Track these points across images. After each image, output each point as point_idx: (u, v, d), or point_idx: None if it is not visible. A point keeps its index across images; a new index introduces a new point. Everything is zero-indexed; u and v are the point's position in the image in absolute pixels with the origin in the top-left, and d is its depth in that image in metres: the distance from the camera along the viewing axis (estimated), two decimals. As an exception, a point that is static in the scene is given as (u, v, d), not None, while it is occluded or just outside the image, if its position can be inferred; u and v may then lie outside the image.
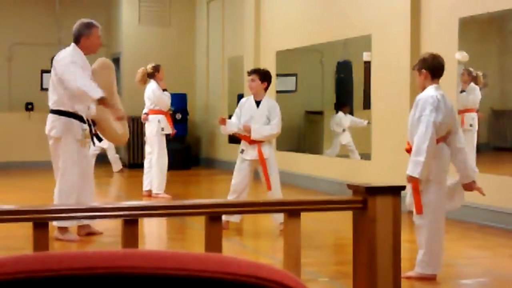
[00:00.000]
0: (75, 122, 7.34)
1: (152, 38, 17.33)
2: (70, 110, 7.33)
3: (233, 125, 8.15)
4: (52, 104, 7.46)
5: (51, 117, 7.46)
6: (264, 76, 8.16)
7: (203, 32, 17.37)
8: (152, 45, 17.15)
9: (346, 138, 11.97)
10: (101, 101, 7.11)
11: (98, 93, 7.06)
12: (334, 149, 12.26)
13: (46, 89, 7.91)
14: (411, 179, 5.67)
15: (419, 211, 5.68)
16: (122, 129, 7.74)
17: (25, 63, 17.27)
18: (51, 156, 7.59)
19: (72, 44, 7.48)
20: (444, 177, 5.81)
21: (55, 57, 7.53)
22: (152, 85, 11.16)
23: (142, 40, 17.27)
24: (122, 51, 17.33)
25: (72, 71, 7.18)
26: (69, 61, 7.24)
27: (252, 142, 8.05)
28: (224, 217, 7.99)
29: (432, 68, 5.84)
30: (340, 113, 12.19)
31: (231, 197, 7.99)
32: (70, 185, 7.37)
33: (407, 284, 5.54)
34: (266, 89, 8.17)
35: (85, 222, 7.58)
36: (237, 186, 8.07)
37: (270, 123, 8.03)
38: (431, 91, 5.78)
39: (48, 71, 15.78)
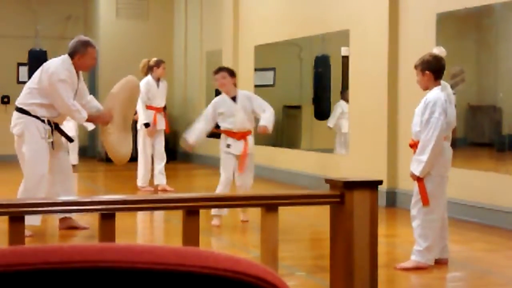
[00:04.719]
0: (38, 121, 7.22)
1: (130, 32, 17.24)
2: (36, 114, 7.22)
3: (198, 133, 8.22)
4: (18, 102, 7.34)
5: (15, 114, 7.35)
6: (231, 72, 8.35)
7: (181, 25, 17.31)
8: (130, 38, 17.06)
9: (346, 126, 11.29)
10: (87, 120, 7.35)
11: (83, 118, 7.24)
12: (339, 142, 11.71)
13: (23, 82, 7.80)
14: (413, 176, 6.03)
15: (426, 202, 5.98)
16: (126, 149, 7.56)
17: (1, 56, 17.10)
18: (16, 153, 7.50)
19: (66, 56, 7.31)
20: (445, 172, 6.13)
21: (44, 64, 7.40)
22: (144, 79, 11.10)
23: (120, 33, 17.17)
24: (100, 45, 17.20)
25: (61, 91, 7.11)
26: (58, 80, 7.12)
27: (240, 137, 8.13)
28: (213, 212, 8.04)
29: (436, 70, 6.11)
30: (342, 101, 11.53)
31: (223, 190, 8.10)
32: (36, 182, 7.21)
33: (389, 275, 5.57)
34: (235, 84, 8.27)
35: (67, 214, 7.48)
36: (228, 180, 8.17)
37: (264, 108, 8.14)
38: (437, 92, 6.06)
39: (25, 64, 15.78)
